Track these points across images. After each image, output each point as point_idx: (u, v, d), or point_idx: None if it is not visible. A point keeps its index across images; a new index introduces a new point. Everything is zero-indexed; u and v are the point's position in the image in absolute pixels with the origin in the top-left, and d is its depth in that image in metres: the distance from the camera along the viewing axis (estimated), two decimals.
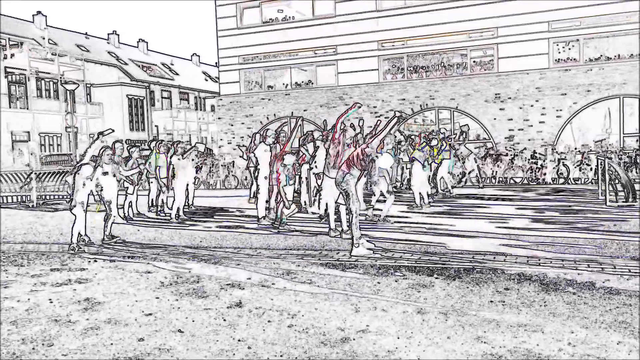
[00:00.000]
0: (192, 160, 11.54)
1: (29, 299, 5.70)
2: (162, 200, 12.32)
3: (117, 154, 10.04)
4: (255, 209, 10.75)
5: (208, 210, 12.89)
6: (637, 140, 19.14)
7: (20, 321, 4.99)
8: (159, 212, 12.16)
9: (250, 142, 12.58)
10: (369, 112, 21.71)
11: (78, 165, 8.37)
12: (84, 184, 8.19)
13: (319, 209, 10.39)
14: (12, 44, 32.97)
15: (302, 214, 11.40)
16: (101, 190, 8.80)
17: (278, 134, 10.97)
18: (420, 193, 11.91)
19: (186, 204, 12.33)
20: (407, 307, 5.04)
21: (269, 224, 10.04)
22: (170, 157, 11.75)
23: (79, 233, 8.39)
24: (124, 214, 11.54)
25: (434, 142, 12.85)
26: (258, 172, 10.51)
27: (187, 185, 11.90)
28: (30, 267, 7.23)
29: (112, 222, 9.08)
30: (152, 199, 12.45)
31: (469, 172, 17.24)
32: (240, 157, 10.28)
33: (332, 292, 5.61)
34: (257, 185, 10.58)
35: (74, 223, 8.26)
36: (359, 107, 8.16)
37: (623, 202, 11.69)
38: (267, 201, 10.52)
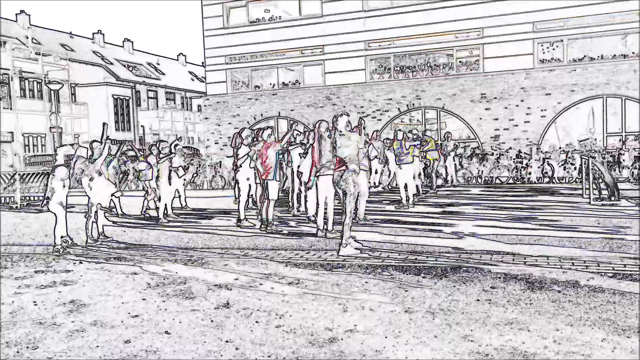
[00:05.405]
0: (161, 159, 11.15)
1: (12, 302, 5.63)
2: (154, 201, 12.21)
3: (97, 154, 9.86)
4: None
5: (195, 211, 12.82)
6: (619, 140, 19.40)
7: (4, 324, 4.93)
8: (143, 213, 12.11)
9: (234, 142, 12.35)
10: (355, 112, 21.75)
11: (52, 167, 8.33)
12: (63, 186, 8.09)
13: (306, 209, 10.36)
14: None
15: (289, 213, 11.39)
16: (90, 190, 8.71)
17: (256, 133, 10.66)
18: (407, 193, 11.96)
19: (179, 204, 12.72)
20: (394, 307, 5.05)
21: (251, 226, 9.94)
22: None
23: (61, 235, 8.29)
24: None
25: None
26: (239, 173, 10.27)
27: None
28: (14, 269, 7.14)
29: (103, 225, 9.07)
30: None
31: (456, 172, 17.33)
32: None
33: (319, 292, 5.61)
34: (239, 187, 10.41)
35: (56, 224, 8.17)
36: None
37: (606, 200, 11.85)
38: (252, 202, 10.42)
